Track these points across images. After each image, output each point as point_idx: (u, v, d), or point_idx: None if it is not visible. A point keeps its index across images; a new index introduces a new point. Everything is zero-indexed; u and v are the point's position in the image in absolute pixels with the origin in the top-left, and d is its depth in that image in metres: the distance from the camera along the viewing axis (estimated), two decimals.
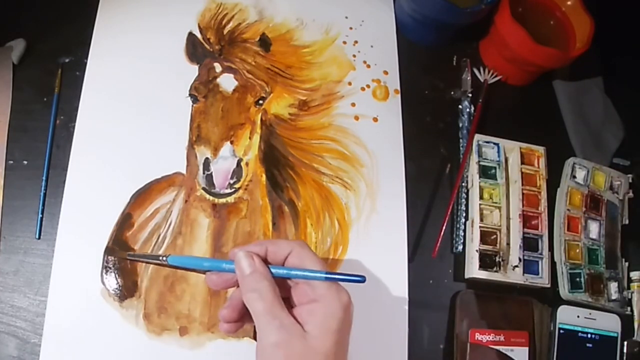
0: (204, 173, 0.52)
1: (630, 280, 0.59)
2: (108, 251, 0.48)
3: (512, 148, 0.59)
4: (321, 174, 0.55)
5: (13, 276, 0.48)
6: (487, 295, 0.54)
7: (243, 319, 0.39)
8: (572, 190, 0.59)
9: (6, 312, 0.47)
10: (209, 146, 0.53)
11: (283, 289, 0.38)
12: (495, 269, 0.54)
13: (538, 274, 0.55)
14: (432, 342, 0.53)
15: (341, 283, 0.38)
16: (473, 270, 0.53)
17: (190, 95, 0.55)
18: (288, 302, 0.38)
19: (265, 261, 0.38)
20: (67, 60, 0.55)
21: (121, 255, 0.48)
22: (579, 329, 0.55)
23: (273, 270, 0.38)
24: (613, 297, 0.57)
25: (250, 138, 0.54)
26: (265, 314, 0.35)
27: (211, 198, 0.52)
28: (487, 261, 0.54)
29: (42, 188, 0.50)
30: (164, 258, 0.45)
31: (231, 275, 0.39)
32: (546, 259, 0.55)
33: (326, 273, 0.36)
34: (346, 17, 0.62)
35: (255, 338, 0.48)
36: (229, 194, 0.52)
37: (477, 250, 0.54)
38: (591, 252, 0.58)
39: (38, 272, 0.48)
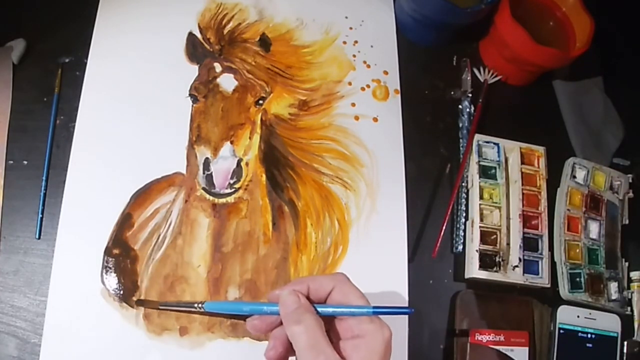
0: (204, 173, 0.52)
1: (630, 280, 0.59)
2: (139, 302, 0.47)
3: (512, 148, 0.59)
4: (321, 174, 0.55)
5: (13, 276, 0.48)
6: (487, 295, 0.54)
7: (287, 355, 0.39)
8: (572, 190, 0.59)
9: (6, 312, 0.47)
10: (209, 146, 0.53)
11: (325, 322, 0.38)
12: (495, 269, 0.54)
13: (538, 274, 0.55)
14: (432, 342, 0.53)
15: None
16: (473, 270, 0.53)
17: (190, 95, 0.55)
18: (329, 336, 0.37)
19: (309, 299, 0.38)
20: (67, 60, 0.55)
21: (153, 306, 0.47)
22: (579, 329, 0.55)
23: (319, 310, 0.37)
24: (613, 297, 0.57)
25: (250, 138, 0.54)
26: (310, 349, 0.34)
27: (211, 198, 0.52)
28: (487, 261, 0.54)
29: (42, 188, 0.50)
30: (200, 306, 0.44)
31: (274, 319, 0.39)
32: (546, 259, 0.55)
33: (374, 308, 0.36)
34: (346, 17, 0.62)
35: (255, 338, 0.48)
36: (229, 194, 0.52)
37: (477, 250, 0.54)
38: (591, 252, 0.58)
39: (38, 272, 0.48)
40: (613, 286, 0.58)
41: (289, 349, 0.38)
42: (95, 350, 0.46)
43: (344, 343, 0.37)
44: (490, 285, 0.54)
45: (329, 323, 0.38)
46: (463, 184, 0.57)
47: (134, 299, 0.47)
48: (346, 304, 0.37)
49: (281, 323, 0.38)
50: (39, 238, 0.49)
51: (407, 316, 0.51)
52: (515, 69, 0.62)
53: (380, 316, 0.37)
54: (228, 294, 0.49)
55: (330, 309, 0.37)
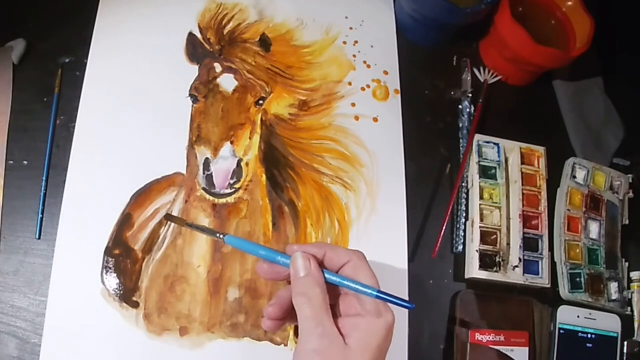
0: (204, 173, 0.52)
1: (630, 280, 0.59)
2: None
3: (512, 148, 0.59)
4: (321, 174, 0.55)
5: (13, 276, 0.48)
6: (487, 295, 0.54)
7: (286, 318, 0.39)
8: (572, 190, 0.59)
9: (6, 312, 0.47)
10: (209, 146, 0.53)
11: (332, 296, 0.38)
12: (495, 269, 0.54)
13: (538, 274, 0.55)
14: (432, 342, 0.53)
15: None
16: (473, 270, 0.53)
17: (190, 95, 0.55)
18: (334, 310, 0.38)
19: (321, 265, 0.38)
20: (67, 60, 0.55)
21: (179, 222, 0.48)
22: (579, 329, 0.55)
23: (326, 276, 0.37)
24: (613, 297, 0.57)
25: (250, 138, 0.54)
26: (310, 319, 0.35)
27: (211, 198, 0.52)
28: (487, 261, 0.54)
29: (42, 188, 0.50)
30: (221, 235, 0.42)
31: (282, 269, 0.39)
32: (546, 259, 0.55)
33: (377, 291, 0.36)
34: (346, 17, 0.62)
35: (255, 338, 0.48)
36: (229, 194, 0.52)
37: (477, 250, 0.54)
38: (591, 252, 0.58)
39: (38, 272, 0.48)
40: (613, 286, 0.58)
41: (288, 312, 0.38)
42: (95, 350, 0.46)
43: (346, 319, 0.37)
44: (490, 285, 0.54)
45: (336, 297, 0.39)
46: (463, 184, 0.57)
47: (134, 299, 0.47)
48: (355, 280, 0.37)
49: (289, 277, 0.38)
50: (39, 238, 0.49)
51: (407, 316, 0.51)
52: (515, 69, 0.62)
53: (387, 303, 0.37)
54: (228, 294, 0.49)
55: (337, 279, 0.37)
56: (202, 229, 0.46)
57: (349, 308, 0.37)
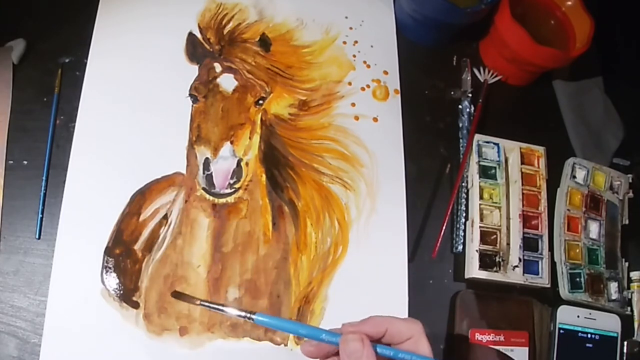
0: (204, 173, 0.52)
1: (630, 280, 0.59)
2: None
3: (512, 148, 0.59)
4: (321, 174, 0.55)
5: (13, 276, 0.48)
6: (487, 295, 0.54)
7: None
8: (572, 190, 0.59)
9: (6, 312, 0.47)
10: (209, 146, 0.53)
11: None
12: (495, 269, 0.54)
13: (538, 274, 0.55)
14: (432, 342, 0.52)
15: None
16: (473, 270, 0.53)
17: (190, 95, 0.55)
18: None
19: (378, 341, 0.37)
20: (67, 60, 0.55)
21: (190, 301, 0.45)
22: (579, 329, 0.55)
23: (379, 350, 0.37)
24: (613, 297, 0.57)
25: (250, 138, 0.54)
26: None
27: (211, 198, 0.52)
28: (487, 261, 0.54)
29: (42, 188, 0.50)
30: (250, 315, 0.38)
31: (331, 347, 0.37)
32: (546, 259, 0.55)
33: None
34: (346, 17, 0.62)
35: (255, 338, 0.48)
36: (229, 194, 0.52)
37: (477, 250, 0.54)
38: (591, 252, 0.58)
39: (38, 272, 0.48)
40: (613, 286, 0.58)
41: (327, 355, 0.38)
42: (95, 350, 0.45)
43: None
44: (490, 285, 0.54)
45: None
46: (463, 184, 0.57)
47: (134, 299, 0.47)
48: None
49: (338, 352, 0.37)
50: (39, 238, 0.49)
51: (406, 316, 0.51)
52: (515, 69, 0.62)
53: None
54: (228, 294, 0.49)
55: (390, 352, 0.37)
56: (223, 310, 0.39)
57: None
